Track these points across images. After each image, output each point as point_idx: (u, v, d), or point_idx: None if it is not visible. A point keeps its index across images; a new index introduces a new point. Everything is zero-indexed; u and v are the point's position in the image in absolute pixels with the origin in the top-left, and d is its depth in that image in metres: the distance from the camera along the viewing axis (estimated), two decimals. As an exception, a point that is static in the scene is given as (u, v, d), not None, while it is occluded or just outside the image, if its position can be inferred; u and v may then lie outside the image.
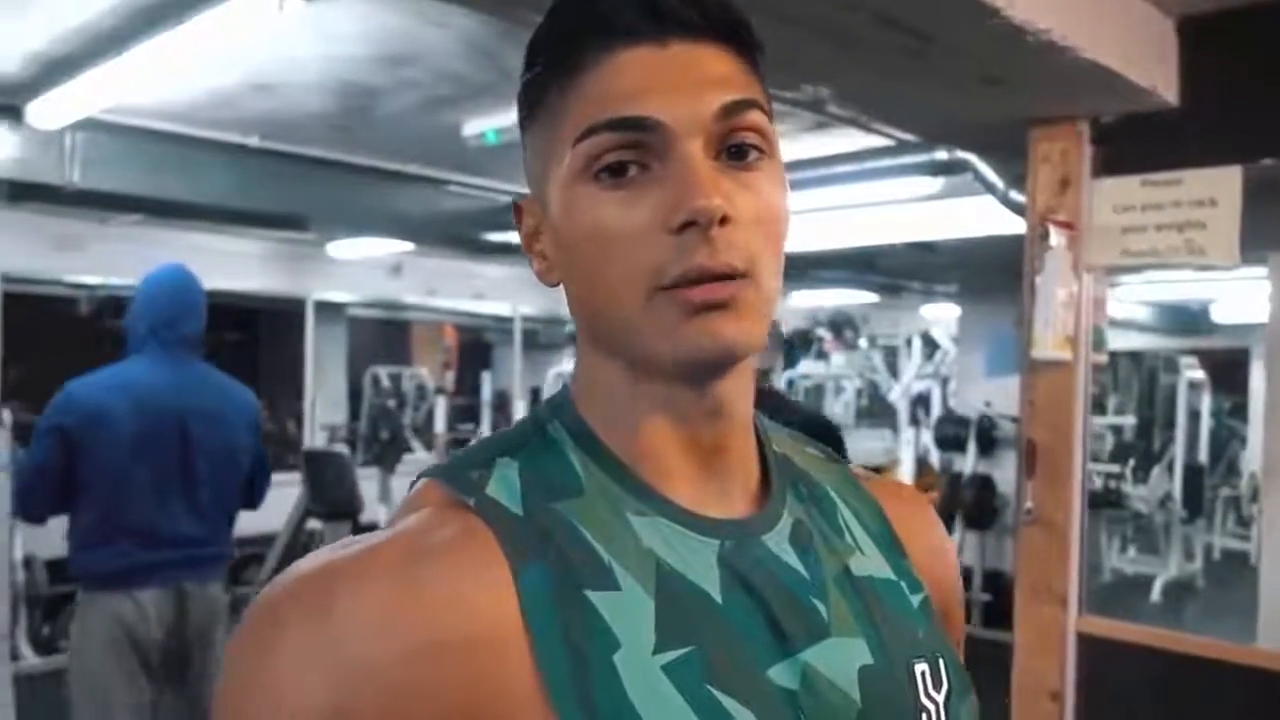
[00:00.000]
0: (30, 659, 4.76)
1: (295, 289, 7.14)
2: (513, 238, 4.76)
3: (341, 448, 5.59)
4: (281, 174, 4.31)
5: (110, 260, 5.96)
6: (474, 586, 0.56)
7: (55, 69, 3.31)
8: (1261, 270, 5.27)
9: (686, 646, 0.57)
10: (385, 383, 9.62)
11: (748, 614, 0.60)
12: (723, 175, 0.58)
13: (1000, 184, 3.30)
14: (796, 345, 10.99)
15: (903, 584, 0.69)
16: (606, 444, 0.63)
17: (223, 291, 6.88)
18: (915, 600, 0.69)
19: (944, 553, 0.77)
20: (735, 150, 0.60)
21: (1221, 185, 2.41)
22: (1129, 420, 8.67)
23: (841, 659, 0.61)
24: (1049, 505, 2.61)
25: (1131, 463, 7.70)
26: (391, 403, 8.08)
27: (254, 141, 4.05)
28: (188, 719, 2.67)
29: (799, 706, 0.58)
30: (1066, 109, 2.52)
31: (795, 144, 3.90)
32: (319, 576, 0.56)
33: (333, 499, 4.72)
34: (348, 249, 6.58)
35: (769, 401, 3.83)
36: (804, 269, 6.71)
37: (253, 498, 2.90)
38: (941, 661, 0.66)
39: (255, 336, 8.91)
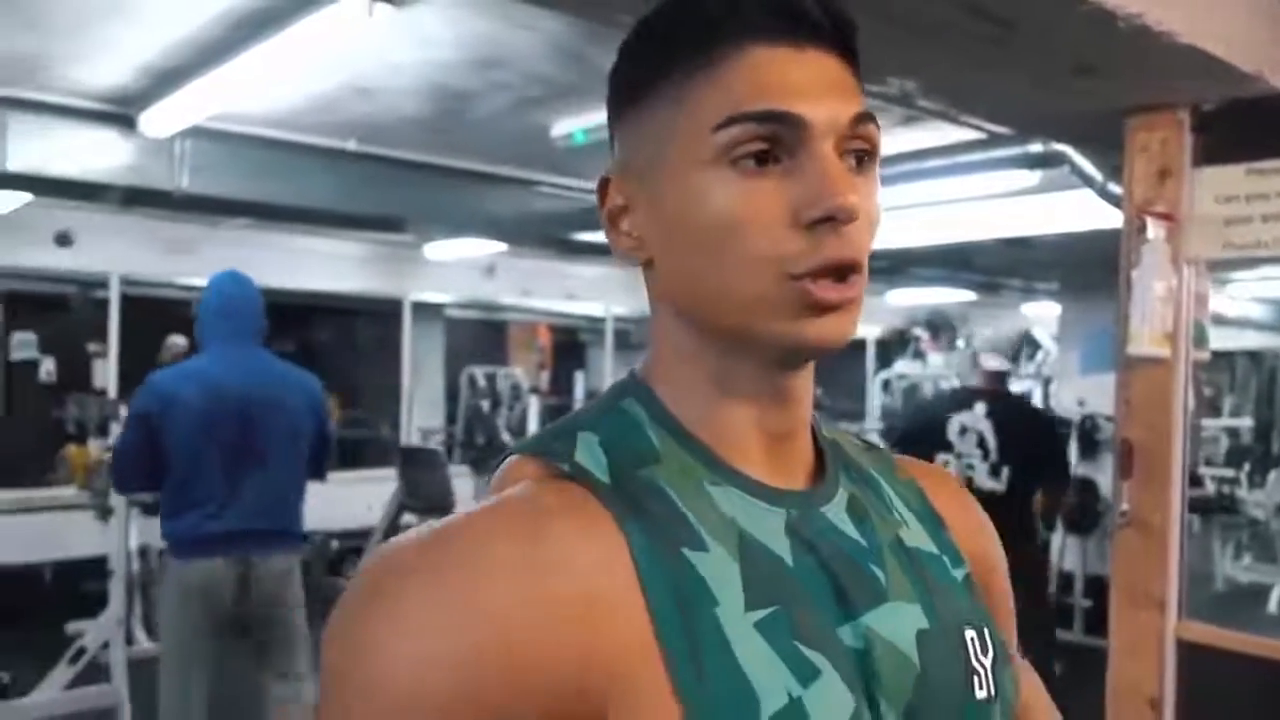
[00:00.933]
0: (144, 643, 4.98)
1: (393, 290, 7.33)
2: (604, 238, 4.83)
3: (436, 445, 5.70)
4: (378, 177, 4.44)
5: (220, 262, 6.15)
6: (588, 545, 0.58)
7: (165, 79, 3.48)
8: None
9: (772, 606, 0.59)
10: (481, 383, 9.79)
11: (815, 578, 0.62)
12: (850, 176, 0.62)
13: (1098, 176, 3.20)
14: (892, 345, 10.82)
15: (945, 558, 0.72)
16: (682, 421, 0.66)
17: (324, 293, 7.13)
18: (959, 574, 0.72)
19: (982, 530, 0.80)
20: (855, 157, 0.63)
21: (1333, 173, 2.30)
22: (1245, 422, 8.30)
23: (900, 623, 0.64)
24: (1146, 507, 2.52)
25: (1247, 466, 7.37)
26: (486, 403, 8.19)
27: (351, 145, 4.18)
28: (255, 672, 3.00)
29: (864, 666, 0.61)
30: (1165, 97, 2.43)
31: (886, 138, 3.82)
32: (437, 537, 0.58)
33: (427, 494, 4.84)
34: (443, 250, 6.73)
35: (1010, 401, 3.79)
36: (900, 266, 6.60)
37: (316, 470, 3.14)
38: (986, 630, 0.69)
39: (354, 337, 9.16)
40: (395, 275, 7.21)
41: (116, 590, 4.11)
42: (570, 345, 11.69)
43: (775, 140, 0.60)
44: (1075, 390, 6.73)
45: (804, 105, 0.60)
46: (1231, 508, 7.03)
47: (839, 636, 0.61)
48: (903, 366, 9.61)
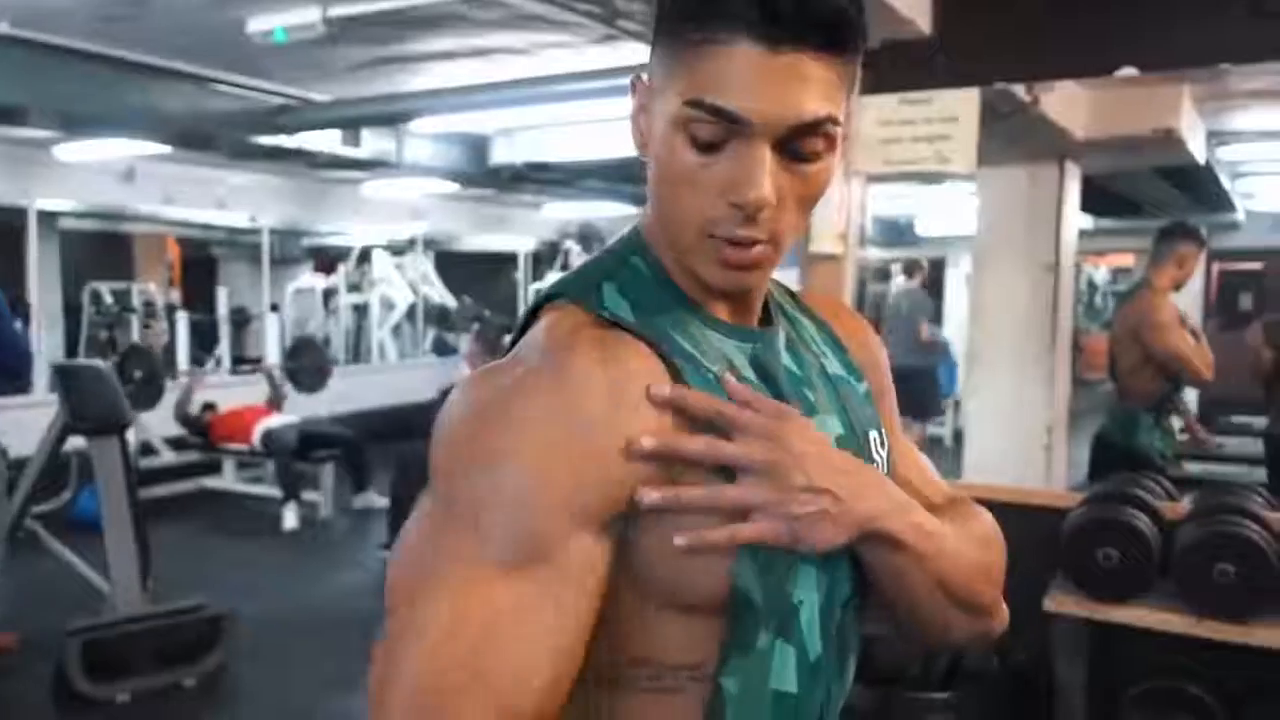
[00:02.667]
0: None
1: (15, 195, 6.50)
2: (284, 141, 4.63)
3: (98, 360, 5.26)
4: (29, 65, 3.98)
5: None
6: (655, 374, 0.75)
7: None
8: (961, 187, 6.05)
9: None
10: (108, 300, 8.96)
11: (772, 397, 0.83)
12: (782, 169, 0.74)
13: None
14: (543, 258, 11.23)
15: (851, 378, 0.94)
16: (672, 276, 0.84)
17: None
18: (861, 389, 0.93)
19: (873, 343, 1.00)
20: (800, 152, 0.75)
21: (962, 105, 2.87)
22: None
23: (826, 430, 0.85)
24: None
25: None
26: (133, 320, 7.57)
27: (3, 28, 3.72)
28: None
29: None
30: (842, 33, 2.88)
31: (581, 56, 4.08)
32: (550, 358, 0.73)
33: (97, 413, 4.48)
34: (78, 151, 6.10)
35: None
36: (572, 180, 6.91)
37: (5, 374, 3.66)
38: (883, 430, 0.94)
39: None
40: (19, 178, 6.41)
41: None
42: (202, 260, 10.98)
43: (724, 128, 0.73)
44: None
45: (752, 107, 0.71)
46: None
47: None
48: (554, 278, 10.03)
